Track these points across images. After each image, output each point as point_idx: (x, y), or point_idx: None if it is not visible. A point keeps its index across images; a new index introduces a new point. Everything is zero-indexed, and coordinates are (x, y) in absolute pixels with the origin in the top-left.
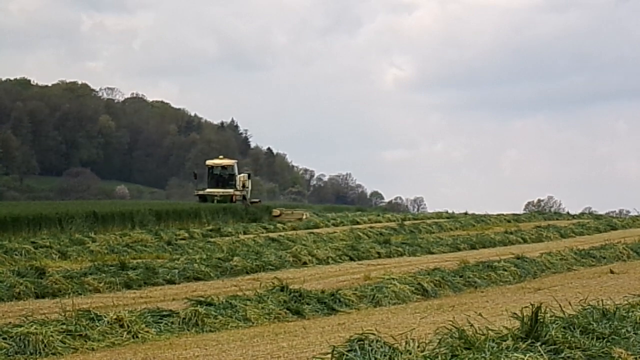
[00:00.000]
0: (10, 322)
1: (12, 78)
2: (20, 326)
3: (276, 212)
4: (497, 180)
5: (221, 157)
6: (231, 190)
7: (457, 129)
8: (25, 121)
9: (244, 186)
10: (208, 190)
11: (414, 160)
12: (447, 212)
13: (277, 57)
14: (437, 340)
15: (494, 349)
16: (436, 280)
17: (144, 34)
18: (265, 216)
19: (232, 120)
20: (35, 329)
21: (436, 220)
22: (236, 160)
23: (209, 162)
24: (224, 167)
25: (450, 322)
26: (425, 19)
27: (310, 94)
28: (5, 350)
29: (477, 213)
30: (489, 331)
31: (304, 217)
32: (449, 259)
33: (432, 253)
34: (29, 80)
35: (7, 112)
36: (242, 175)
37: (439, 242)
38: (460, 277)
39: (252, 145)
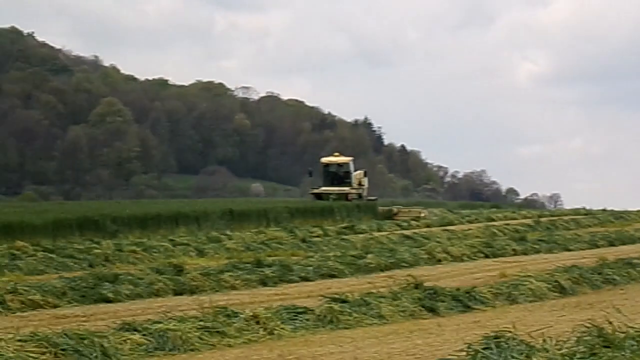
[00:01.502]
0: (149, 319)
1: (150, 78)
2: (160, 322)
3: (393, 210)
4: (637, 176)
5: (336, 154)
6: (347, 188)
7: (594, 124)
8: (163, 120)
9: (360, 184)
10: (323, 188)
11: (550, 156)
12: (584, 208)
13: (408, 54)
14: (575, 339)
15: (634, 347)
16: (574, 277)
17: (277, 32)
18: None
19: (366, 118)
20: (174, 325)
21: (573, 216)
22: (352, 158)
23: (324, 159)
24: (339, 165)
25: (589, 320)
26: (561, 12)
27: (442, 90)
28: (145, 346)
29: (615, 209)
30: (629, 329)
31: (422, 214)
32: (587, 256)
33: (570, 250)
34: (167, 80)
35: (145, 112)
36: (358, 172)
37: (577, 238)
38: (599, 274)
39: (386, 142)
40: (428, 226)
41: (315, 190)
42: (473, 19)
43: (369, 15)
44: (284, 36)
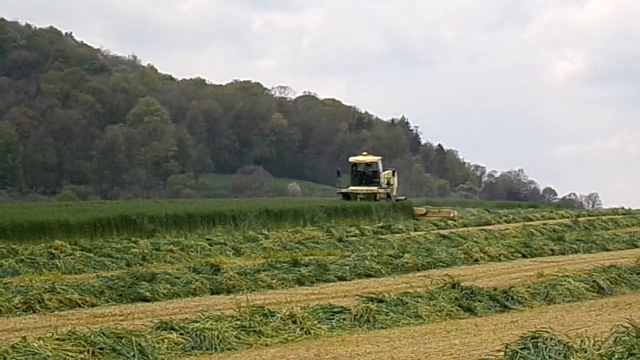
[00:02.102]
0: (186, 318)
1: (187, 78)
2: (197, 322)
3: (422, 210)
4: None
5: (365, 153)
6: (375, 188)
7: (631, 123)
8: (200, 120)
9: (388, 183)
10: (351, 188)
11: (587, 156)
12: (623, 208)
13: (444, 53)
14: (614, 339)
15: None
16: (612, 277)
17: (312, 31)
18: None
19: (403, 117)
20: (211, 324)
21: (612, 216)
22: (380, 157)
23: (352, 158)
24: (367, 164)
25: (627, 320)
26: (598, 11)
27: (478, 89)
28: (182, 345)
29: None
30: None
31: (452, 214)
32: (626, 255)
33: (608, 250)
34: (204, 80)
35: (183, 112)
36: (386, 172)
37: (615, 238)
38: (638, 274)
39: (423, 141)
40: (465, 226)
41: (344, 190)
42: (509, 18)
43: (404, 14)
44: (319, 35)
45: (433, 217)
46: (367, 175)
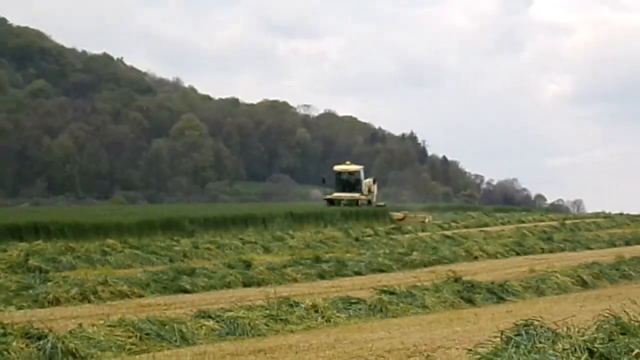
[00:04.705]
0: (222, 307)
1: (223, 97)
2: (231, 311)
3: (399, 215)
4: None
5: (348, 162)
6: (357, 195)
7: (612, 138)
8: (234, 134)
9: (369, 191)
10: (335, 194)
11: (573, 166)
12: (604, 212)
13: (448, 76)
14: (596, 327)
15: None
16: (594, 273)
17: (332, 56)
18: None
19: (412, 132)
20: (243, 313)
21: (594, 219)
22: (362, 166)
23: (336, 167)
24: (350, 173)
25: (607, 310)
26: (582, 41)
27: (479, 107)
28: (218, 331)
29: (632, 213)
30: None
31: (427, 220)
32: (606, 254)
33: (591, 249)
34: (237, 99)
35: (219, 127)
36: (368, 180)
37: (597, 239)
38: (617, 270)
39: (429, 153)
40: (466, 227)
41: (329, 196)
42: (505, 46)
43: (413, 42)
44: (338, 60)
45: (410, 222)
46: (350, 183)
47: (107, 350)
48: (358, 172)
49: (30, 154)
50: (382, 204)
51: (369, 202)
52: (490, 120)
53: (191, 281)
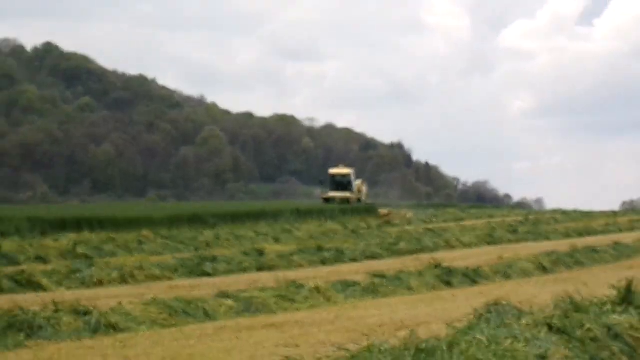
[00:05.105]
0: (239, 289)
1: (240, 111)
2: (246, 291)
3: (384, 211)
4: (599, 185)
5: (341, 166)
6: (349, 194)
7: (568, 145)
8: (249, 143)
9: (359, 190)
10: (330, 194)
11: (536, 170)
12: (561, 209)
13: (430, 93)
14: (554, 305)
15: (597, 311)
16: (553, 260)
17: (332, 77)
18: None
19: (399, 141)
20: (257, 294)
21: (553, 215)
22: (353, 169)
23: (331, 170)
24: (343, 175)
25: (564, 291)
26: (543, 63)
27: (455, 120)
28: (235, 309)
29: (584, 210)
30: (593, 298)
31: (407, 215)
32: (563, 244)
33: (550, 239)
34: (252, 113)
35: (237, 137)
36: (358, 181)
37: (555, 231)
38: (571, 257)
39: (414, 159)
40: (445, 222)
41: (324, 195)
42: (478, 68)
43: (400, 64)
44: (337, 79)
45: (393, 217)
46: (343, 184)
47: (142, 324)
48: (349, 174)
49: (78, 159)
50: (370, 202)
51: (359, 200)
52: (466, 131)
53: (213, 266)
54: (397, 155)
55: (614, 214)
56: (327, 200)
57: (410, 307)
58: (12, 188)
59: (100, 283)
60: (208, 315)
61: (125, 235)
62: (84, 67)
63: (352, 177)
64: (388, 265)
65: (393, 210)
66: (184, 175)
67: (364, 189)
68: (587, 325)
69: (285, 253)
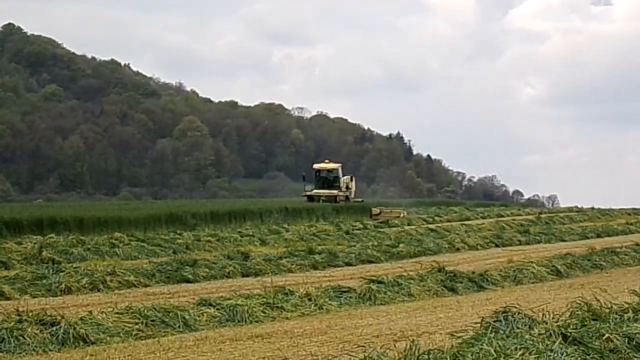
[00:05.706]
0: (222, 296)
1: (222, 100)
2: (230, 299)
3: (376, 210)
4: (620, 180)
5: (327, 160)
6: (335, 191)
7: (583, 137)
8: (233, 135)
9: (347, 187)
10: (315, 191)
11: (548, 164)
12: (577, 206)
13: (431, 80)
14: (569, 313)
15: (617, 320)
16: (568, 263)
17: (323, 62)
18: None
19: (398, 133)
20: (242, 301)
21: (568, 213)
22: (340, 164)
23: (316, 165)
24: (329, 171)
25: (580, 298)
26: (555, 47)
27: (459, 109)
28: (218, 318)
29: (602, 207)
30: (613, 305)
31: (402, 215)
32: (579, 245)
33: (564, 241)
34: (236, 102)
35: (219, 128)
36: (346, 177)
37: (570, 231)
38: (589, 260)
39: (415, 152)
40: (449, 221)
41: (308, 193)
42: (484, 52)
43: (398, 48)
44: (329, 65)
45: (386, 216)
46: (329, 180)
47: (115, 336)
48: (336, 169)
49: (43, 153)
50: (359, 199)
51: (347, 198)
52: (471, 121)
53: (193, 271)
54: (396, 148)
55: (636, 212)
56: (312, 198)
57: (411, 316)
58: None
59: (68, 290)
60: (188, 325)
61: (96, 237)
62: (49, 52)
63: (339, 173)
64: (386, 269)
65: (384, 209)
66: (160, 171)
67: (353, 185)
68: (606, 335)
69: (273, 256)
